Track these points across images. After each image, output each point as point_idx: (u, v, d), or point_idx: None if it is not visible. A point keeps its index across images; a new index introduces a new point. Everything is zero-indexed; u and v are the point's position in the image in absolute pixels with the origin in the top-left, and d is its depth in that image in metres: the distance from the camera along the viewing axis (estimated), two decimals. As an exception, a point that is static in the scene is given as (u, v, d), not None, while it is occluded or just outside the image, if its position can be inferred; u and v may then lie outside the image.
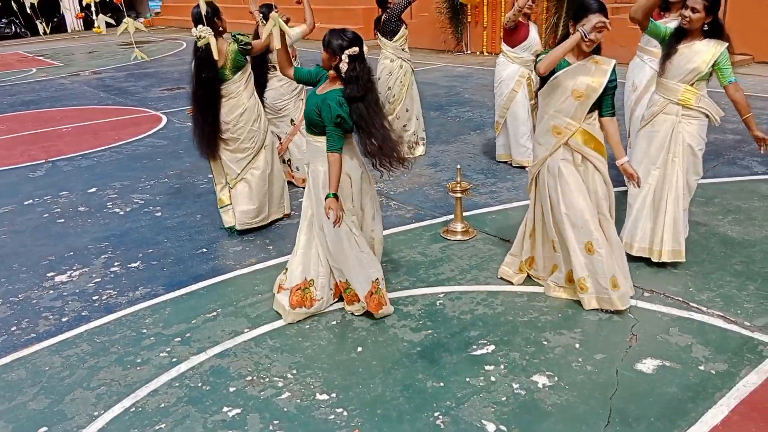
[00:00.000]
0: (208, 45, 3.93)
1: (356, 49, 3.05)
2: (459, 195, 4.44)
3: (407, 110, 6.17)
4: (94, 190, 5.87)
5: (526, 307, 3.47)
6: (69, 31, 26.29)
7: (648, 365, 2.91)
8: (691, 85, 3.56)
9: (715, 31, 3.47)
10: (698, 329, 3.18)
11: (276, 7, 4.17)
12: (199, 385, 2.94)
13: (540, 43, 5.66)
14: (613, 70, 3.19)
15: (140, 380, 2.99)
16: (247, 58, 4.33)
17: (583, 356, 3.00)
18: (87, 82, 12.57)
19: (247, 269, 4.14)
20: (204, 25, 3.95)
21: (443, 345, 3.15)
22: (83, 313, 3.67)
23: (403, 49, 6.07)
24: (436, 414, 2.66)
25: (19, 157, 7.16)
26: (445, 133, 7.25)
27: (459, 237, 4.42)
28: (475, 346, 3.13)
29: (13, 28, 25.21)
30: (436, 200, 5.18)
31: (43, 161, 6.91)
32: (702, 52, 3.48)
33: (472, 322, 3.34)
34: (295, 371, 3.00)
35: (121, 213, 5.27)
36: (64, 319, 3.62)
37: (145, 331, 3.43)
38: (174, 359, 3.15)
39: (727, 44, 3.47)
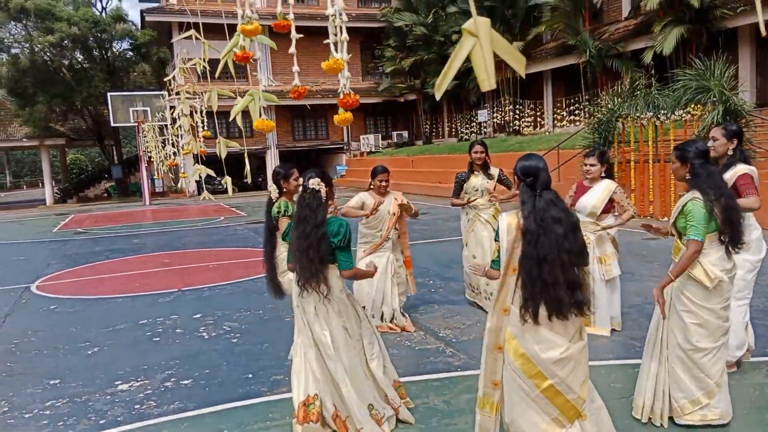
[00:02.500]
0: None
1: None
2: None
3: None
4: (198, 316, 6.57)
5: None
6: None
7: None
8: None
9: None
10: None
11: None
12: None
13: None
14: None
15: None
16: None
17: None
18: (256, 229, 14.34)
19: (275, 396, 4.28)
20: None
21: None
22: (119, 419, 4.05)
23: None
24: None
25: (160, 285, 8.30)
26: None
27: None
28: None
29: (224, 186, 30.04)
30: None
31: (176, 290, 7.93)
32: None
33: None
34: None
35: (206, 337, 5.80)
36: (101, 422, 4.02)
37: (153, 440, 3.69)
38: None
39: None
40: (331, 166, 31.72)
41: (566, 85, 22.53)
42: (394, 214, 5.63)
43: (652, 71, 16.50)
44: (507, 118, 24.19)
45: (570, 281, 2.84)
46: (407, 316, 5.81)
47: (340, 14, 3.36)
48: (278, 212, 4.50)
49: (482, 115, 25.48)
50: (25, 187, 52.71)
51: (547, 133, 21.64)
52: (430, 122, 31.02)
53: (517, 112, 23.68)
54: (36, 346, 5.82)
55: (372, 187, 5.67)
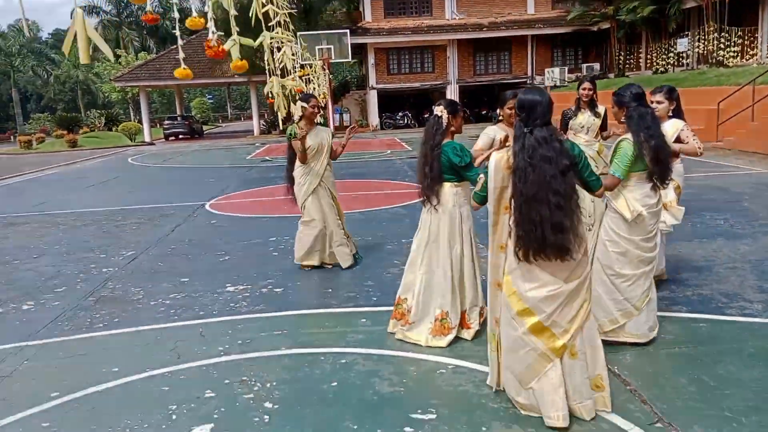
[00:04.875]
0: None
1: None
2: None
3: None
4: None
5: (504, 397, 3.29)
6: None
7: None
8: None
9: None
10: None
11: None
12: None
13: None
14: None
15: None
16: None
17: None
18: (411, 163, 14.93)
19: (343, 309, 4.85)
20: None
21: (392, 401, 3.31)
22: (213, 312, 4.94)
23: None
24: None
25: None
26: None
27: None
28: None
29: (406, 120, 31.14)
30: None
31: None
32: None
33: (440, 393, 3.37)
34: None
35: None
36: (201, 313, 4.94)
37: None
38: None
39: None
40: (512, 102, 30.95)
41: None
42: None
43: None
44: (710, 47, 21.32)
45: (555, 223, 2.85)
46: None
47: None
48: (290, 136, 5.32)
49: (681, 44, 22.74)
50: (242, 118, 59.24)
51: (756, 65, 18.75)
52: (624, 53, 28.45)
53: (723, 40, 20.73)
54: (186, 251, 7.07)
55: (501, 117, 4.81)
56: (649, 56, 26.40)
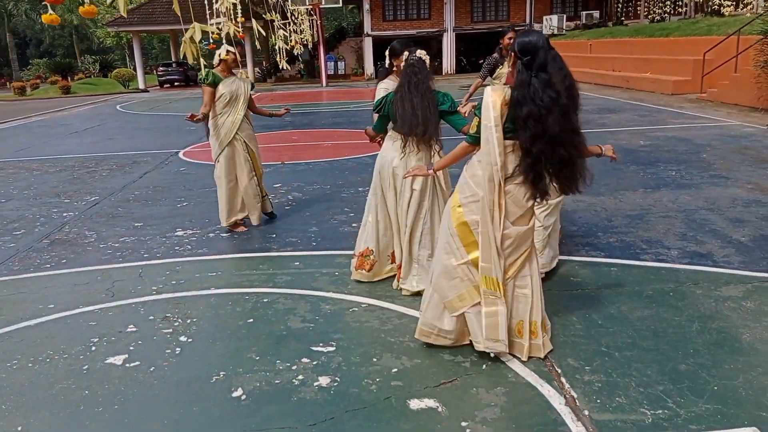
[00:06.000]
0: None
1: None
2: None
3: None
4: (278, 185, 7.51)
5: (402, 333, 3.51)
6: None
7: (409, 404, 2.81)
8: None
9: None
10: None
11: None
12: (139, 308, 4.04)
13: None
14: None
15: (120, 296, 4.25)
16: None
17: (373, 379, 3.03)
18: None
19: (292, 252, 5.06)
20: None
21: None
22: (157, 254, 5.15)
23: None
24: (214, 371, 3.18)
25: (271, 158, 9.39)
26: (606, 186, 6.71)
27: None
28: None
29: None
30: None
31: (280, 163, 8.98)
32: None
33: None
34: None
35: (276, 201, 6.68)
36: (145, 255, 5.16)
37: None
38: (151, 291, 4.32)
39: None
40: (508, 51, 30.51)
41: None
42: None
43: None
44: (708, -5, 20.89)
45: (573, 160, 2.89)
46: None
47: None
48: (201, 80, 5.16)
49: (679, -9, 22.29)
50: (240, 66, 58.73)
51: (749, 14, 18.41)
52: (623, 1, 27.89)
53: (720, -12, 20.29)
54: (147, 197, 7.26)
55: (395, 69, 4.25)
56: (647, 4, 25.86)
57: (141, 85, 32.76)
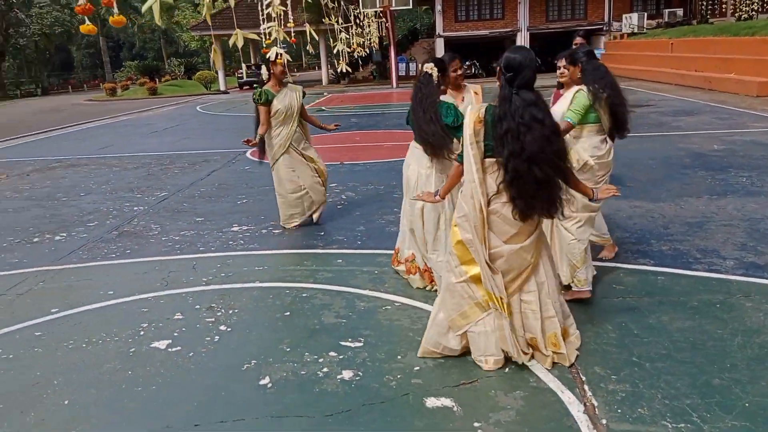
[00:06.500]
0: None
1: None
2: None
3: None
4: (334, 185, 7.68)
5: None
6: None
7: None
8: None
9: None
10: (531, 403, 2.80)
11: None
12: (187, 298, 4.29)
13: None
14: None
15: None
16: None
17: (395, 375, 3.09)
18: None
19: (339, 250, 5.21)
20: None
21: (329, 330, 3.66)
22: (212, 248, 5.42)
23: None
24: (246, 360, 3.35)
25: (332, 158, 9.60)
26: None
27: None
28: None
29: (473, 69, 30.52)
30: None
31: (339, 163, 9.17)
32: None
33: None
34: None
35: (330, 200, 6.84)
36: (201, 248, 5.44)
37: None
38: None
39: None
40: (585, 51, 29.59)
41: None
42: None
43: None
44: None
45: (552, 182, 2.88)
46: None
47: None
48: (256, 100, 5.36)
49: (771, -13, 20.91)
50: (317, 68, 59.98)
51: None
52: (711, -3, 26.47)
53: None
54: (211, 194, 7.62)
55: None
56: (734, 1, 24.44)
57: (222, 87, 34.13)
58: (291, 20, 6.48)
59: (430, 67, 3.94)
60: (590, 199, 3.19)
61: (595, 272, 4.09)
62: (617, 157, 7.56)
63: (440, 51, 31.13)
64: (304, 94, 5.75)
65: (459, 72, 4.38)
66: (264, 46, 5.18)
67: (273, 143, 5.65)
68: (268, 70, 5.53)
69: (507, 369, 3.14)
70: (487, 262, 2.99)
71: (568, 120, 3.74)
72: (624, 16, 28.66)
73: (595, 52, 6.86)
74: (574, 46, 5.68)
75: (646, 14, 28.25)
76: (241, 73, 36.72)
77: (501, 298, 3.03)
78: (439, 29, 31.06)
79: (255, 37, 5.09)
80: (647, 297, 3.96)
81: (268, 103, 5.49)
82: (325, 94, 26.24)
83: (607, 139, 3.94)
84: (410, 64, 32.63)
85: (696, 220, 5.50)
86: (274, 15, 5.00)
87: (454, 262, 3.15)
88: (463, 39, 31.10)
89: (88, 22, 3.50)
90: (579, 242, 3.85)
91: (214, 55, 5.02)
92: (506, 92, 2.86)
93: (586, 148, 3.86)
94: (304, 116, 5.80)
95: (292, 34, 6.33)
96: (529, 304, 3.10)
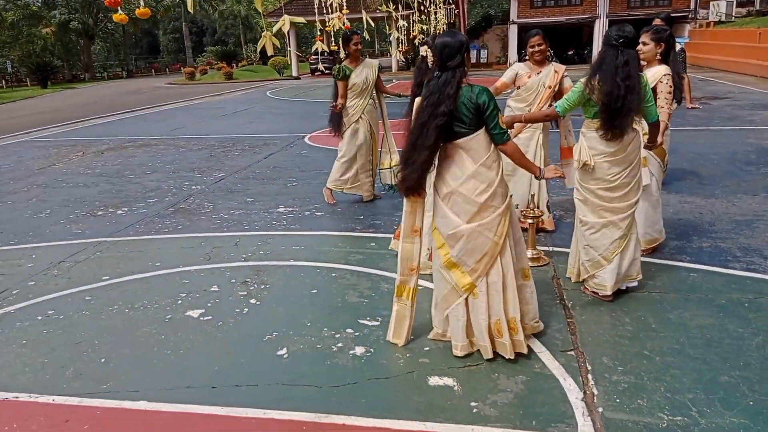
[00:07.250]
0: None
1: None
2: (530, 221, 4.47)
3: None
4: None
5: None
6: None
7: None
8: None
9: None
10: (529, 388, 2.86)
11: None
12: (225, 272, 4.56)
13: None
14: None
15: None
16: None
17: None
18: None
19: (364, 234, 5.37)
20: None
21: (349, 308, 3.82)
22: (256, 226, 5.70)
23: None
24: (267, 332, 3.56)
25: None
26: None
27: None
28: (362, 317, 3.69)
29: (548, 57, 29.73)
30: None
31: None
32: None
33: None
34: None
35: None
36: (246, 227, 5.72)
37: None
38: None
39: None
40: (666, 39, 28.25)
41: None
42: (549, 88, 4.88)
43: None
44: None
45: (416, 163, 3.01)
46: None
47: None
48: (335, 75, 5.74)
49: None
50: (389, 54, 60.31)
51: None
52: (809, -18, 24.63)
53: None
54: (264, 176, 7.94)
55: (527, 56, 4.96)
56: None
57: (294, 73, 34.89)
58: (345, 8, 6.73)
59: (424, 49, 4.05)
60: (536, 177, 3.24)
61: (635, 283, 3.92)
62: (680, 150, 7.48)
63: (513, 38, 30.57)
64: (380, 68, 6.16)
65: (536, 48, 4.77)
66: (318, 33, 5.39)
67: (348, 113, 6.09)
68: (345, 48, 5.92)
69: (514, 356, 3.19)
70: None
71: (555, 107, 3.65)
72: (711, 3, 27.11)
73: (678, 41, 6.49)
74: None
75: (735, 1, 26.61)
76: (314, 59, 37.38)
77: (470, 280, 3.09)
78: (513, 16, 30.50)
79: (302, 21, 5.27)
80: (674, 293, 3.89)
81: (345, 78, 5.95)
82: (393, 80, 26.35)
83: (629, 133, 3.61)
84: (481, 51, 32.21)
85: (745, 218, 5.28)
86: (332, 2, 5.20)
87: (433, 248, 3.24)
88: (538, 26, 30.33)
89: (120, 12, 3.77)
90: (625, 235, 3.71)
91: (266, 42, 5.21)
92: (432, 74, 3.01)
93: (591, 146, 3.59)
94: (380, 88, 6.21)
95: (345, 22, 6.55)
96: (494, 284, 3.09)
